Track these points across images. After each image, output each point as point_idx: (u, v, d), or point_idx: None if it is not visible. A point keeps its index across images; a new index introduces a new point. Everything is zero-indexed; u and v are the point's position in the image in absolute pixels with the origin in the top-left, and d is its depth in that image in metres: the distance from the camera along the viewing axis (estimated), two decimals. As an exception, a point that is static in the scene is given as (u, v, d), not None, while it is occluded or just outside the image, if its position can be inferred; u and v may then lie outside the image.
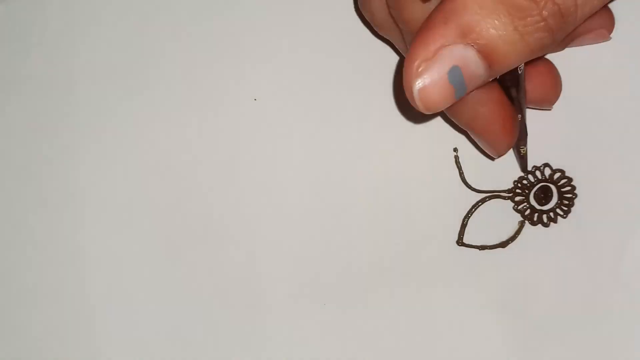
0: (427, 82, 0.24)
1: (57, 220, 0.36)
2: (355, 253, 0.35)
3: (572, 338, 0.34)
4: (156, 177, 0.36)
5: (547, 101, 0.33)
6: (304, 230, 0.35)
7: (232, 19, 0.36)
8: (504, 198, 0.35)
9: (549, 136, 0.35)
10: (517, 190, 0.35)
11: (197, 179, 0.35)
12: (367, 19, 0.32)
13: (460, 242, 0.35)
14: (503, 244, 0.35)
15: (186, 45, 0.36)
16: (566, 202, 0.35)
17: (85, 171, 0.36)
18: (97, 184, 0.36)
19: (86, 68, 0.36)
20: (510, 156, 0.35)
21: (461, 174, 0.35)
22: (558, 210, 0.35)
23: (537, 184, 0.35)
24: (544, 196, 0.35)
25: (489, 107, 0.30)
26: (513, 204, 0.35)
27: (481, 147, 0.33)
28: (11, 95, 0.36)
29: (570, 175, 0.35)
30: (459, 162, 0.35)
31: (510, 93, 0.31)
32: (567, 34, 0.25)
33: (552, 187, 0.35)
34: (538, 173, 0.35)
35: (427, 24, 0.24)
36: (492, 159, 0.34)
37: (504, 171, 0.35)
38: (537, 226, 0.35)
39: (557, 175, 0.35)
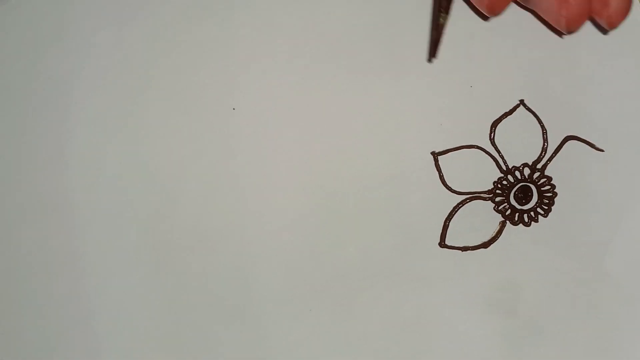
0: None
1: (46, 225, 0.36)
2: (339, 258, 0.35)
3: (558, 335, 0.35)
4: (141, 186, 0.36)
5: (559, 26, 0.32)
6: (288, 237, 0.35)
7: (211, 28, 0.36)
8: (485, 199, 0.35)
9: (526, 136, 0.35)
10: (497, 191, 0.35)
11: (181, 189, 0.35)
12: None
13: (442, 244, 0.35)
14: (485, 245, 0.35)
15: (166, 55, 0.36)
16: (546, 201, 0.35)
17: (70, 178, 0.36)
18: (79, 192, 0.36)
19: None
20: (486, 158, 0.35)
21: (441, 176, 0.35)
22: (538, 210, 0.35)
23: (516, 184, 0.35)
24: (523, 196, 0.35)
25: None
26: (493, 205, 0.35)
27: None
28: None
29: (549, 174, 0.35)
30: (438, 165, 0.35)
31: None
32: None
33: (532, 186, 0.35)
34: (517, 173, 0.35)
35: None
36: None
37: (484, 172, 0.35)
38: (518, 226, 0.35)
39: (536, 174, 0.35)
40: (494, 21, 0.35)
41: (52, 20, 0.35)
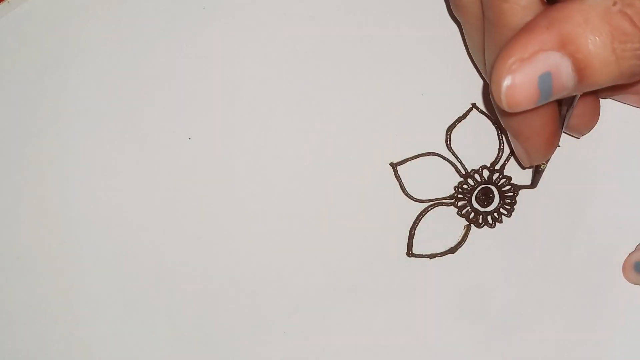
0: (517, 80, 0.24)
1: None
2: (308, 278, 0.35)
3: (530, 335, 0.35)
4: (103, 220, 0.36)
5: (580, 129, 0.34)
6: (254, 262, 0.35)
7: (166, 58, 0.36)
8: (447, 205, 0.35)
9: (482, 138, 0.35)
10: (459, 196, 0.35)
11: (142, 219, 0.35)
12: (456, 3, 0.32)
13: (409, 253, 0.35)
14: (452, 250, 0.35)
15: (122, 83, 0.36)
16: (508, 201, 0.35)
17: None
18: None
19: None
20: (445, 164, 0.35)
21: (402, 186, 0.35)
22: (502, 210, 0.35)
23: (477, 187, 0.35)
24: (485, 198, 0.35)
25: (542, 118, 0.30)
26: (456, 210, 0.35)
27: (515, 152, 0.33)
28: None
29: (508, 174, 0.35)
30: (398, 175, 0.35)
31: (561, 110, 0.31)
32: None
33: (493, 188, 0.35)
34: (477, 176, 0.35)
35: (528, 26, 0.25)
36: (522, 167, 0.35)
37: (443, 178, 0.35)
38: (483, 228, 0.35)
39: (495, 175, 0.35)
40: (441, 29, 0.35)
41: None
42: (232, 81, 0.35)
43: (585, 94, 0.31)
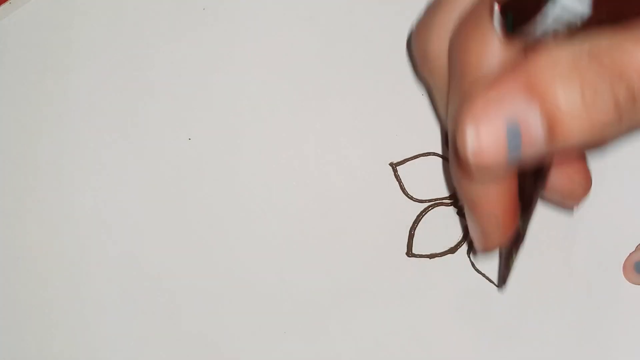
0: (483, 131, 0.22)
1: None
2: (309, 280, 0.35)
3: (530, 335, 0.35)
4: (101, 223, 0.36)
5: (571, 199, 0.31)
6: (256, 262, 0.35)
7: (167, 58, 0.36)
8: (447, 205, 0.35)
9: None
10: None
11: (142, 219, 0.36)
12: (417, 49, 0.30)
13: (409, 253, 0.35)
14: (452, 250, 0.35)
15: (123, 84, 0.36)
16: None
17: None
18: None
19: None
20: (445, 164, 0.35)
21: (401, 186, 0.35)
22: (501, 210, 0.35)
23: (477, 187, 0.35)
24: (485, 198, 0.35)
25: (500, 193, 0.27)
26: (456, 209, 0.35)
27: (471, 234, 0.30)
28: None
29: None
30: (397, 175, 0.35)
31: (524, 193, 0.28)
32: (636, 122, 0.23)
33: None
34: (477, 176, 0.35)
35: (495, 75, 0.23)
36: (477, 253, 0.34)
37: (443, 179, 0.35)
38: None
39: (495, 175, 0.35)
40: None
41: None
42: (232, 81, 0.36)
43: (573, 157, 0.30)
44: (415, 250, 0.35)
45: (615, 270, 0.35)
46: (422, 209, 0.35)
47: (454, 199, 0.35)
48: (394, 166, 0.35)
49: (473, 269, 0.35)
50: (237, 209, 0.35)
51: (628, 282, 0.35)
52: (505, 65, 0.23)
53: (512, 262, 0.32)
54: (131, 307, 0.35)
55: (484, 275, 0.35)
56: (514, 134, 0.22)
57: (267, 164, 0.35)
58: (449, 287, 0.35)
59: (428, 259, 0.35)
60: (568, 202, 0.32)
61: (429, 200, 0.35)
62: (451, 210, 0.35)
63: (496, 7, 0.22)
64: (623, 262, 0.35)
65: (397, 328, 0.35)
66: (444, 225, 0.35)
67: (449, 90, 0.29)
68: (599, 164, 0.35)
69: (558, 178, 0.30)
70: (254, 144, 0.35)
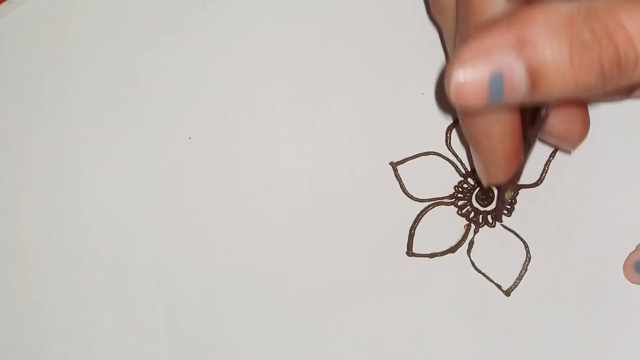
0: (467, 74, 0.23)
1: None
2: (308, 276, 0.35)
3: (530, 334, 0.35)
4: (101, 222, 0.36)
5: (568, 140, 0.32)
6: (255, 260, 0.35)
7: (165, 58, 0.36)
8: (447, 204, 0.35)
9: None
10: (459, 195, 0.35)
11: (142, 218, 0.36)
12: None
13: (410, 252, 0.35)
14: (452, 249, 0.35)
15: (123, 82, 0.36)
16: (508, 200, 0.35)
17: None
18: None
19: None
20: (445, 164, 0.35)
21: (402, 185, 0.35)
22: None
23: (477, 187, 0.35)
24: (485, 197, 0.35)
25: (502, 131, 0.29)
26: (456, 209, 0.35)
27: (476, 167, 0.32)
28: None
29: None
30: (398, 174, 0.35)
31: (526, 131, 0.30)
32: (619, 88, 0.24)
33: (493, 187, 0.35)
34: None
35: (491, 24, 0.23)
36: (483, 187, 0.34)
37: (443, 178, 0.35)
38: (483, 227, 0.35)
39: (495, 175, 0.35)
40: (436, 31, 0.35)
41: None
42: (232, 80, 0.36)
43: (573, 102, 0.30)
44: (415, 250, 0.35)
45: (615, 270, 0.35)
46: (422, 208, 0.35)
47: (455, 198, 0.35)
48: (394, 165, 0.35)
49: (473, 269, 0.35)
50: (237, 208, 0.35)
51: (628, 282, 0.35)
52: (503, 14, 0.24)
53: (509, 199, 0.33)
54: (130, 306, 0.35)
55: (484, 274, 0.35)
56: (497, 81, 0.23)
57: (267, 163, 0.35)
58: (449, 287, 0.35)
59: (428, 258, 0.35)
60: (565, 145, 0.33)
61: (429, 200, 0.35)
62: (452, 210, 0.35)
63: None
64: (623, 262, 0.35)
65: (397, 327, 0.35)
66: (444, 225, 0.35)
67: (455, 32, 0.30)
68: (599, 164, 0.35)
69: (557, 120, 0.31)
70: (254, 143, 0.35)
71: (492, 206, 0.35)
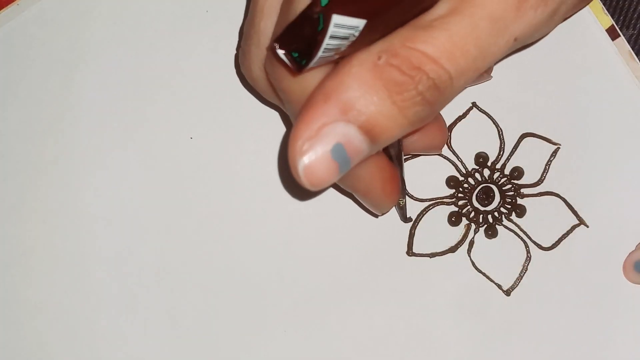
0: (311, 159, 0.23)
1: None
2: (309, 276, 0.35)
3: (530, 334, 0.35)
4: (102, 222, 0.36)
5: (433, 148, 0.33)
6: (255, 261, 0.35)
7: (165, 60, 0.36)
8: (447, 204, 0.35)
9: (482, 137, 0.35)
10: (459, 195, 0.35)
11: (140, 219, 0.36)
12: (245, 74, 0.31)
13: (410, 252, 0.35)
14: (452, 249, 0.35)
15: (127, 84, 0.36)
16: (509, 200, 0.35)
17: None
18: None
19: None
20: (445, 163, 0.35)
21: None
22: (502, 209, 0.35)
23: (477, 186, 0.35)
24: (486, 197, 0.35)
25: (369, 169, 0.29)
26: (457, 209, 0.35)
27: (366, 206, 0.33)
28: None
29: (509, 173, 0.35)
30: (398, 174, 0.35)
31: (388, 152, 0.31)
32: (447, 103, 0.25)
33: (493, 187, 0.35)
34: (477, 175, 0.35)
35: (308, 103, 0.24)
36: (376, 216, 0.35)
37: (444, 178, 0.35)
38: (484, 227, 0.35)
39: (496, 174, 0.35)
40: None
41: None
42: (233, 81, 0.36)
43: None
44: (415, 249, 0.35)
45: (615, 270, 0.35)
46: (422, 208, 0.35)
47: (455, 198, 0.35)
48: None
49: (473, 268, 0.35)
50: (239, 207, 0.35)
51: (628, 282, 0.35)
52: (316, 89, 0.24)
53: (404, 204, 0.34)
54: (132, 305, 0.35)
55: (484, 274, 0.35)
56: (340, 152, 0.24)
57: (267, 163, 0.36)
58: (449, 286, 0.35)
59: (428, 257, 0.35)
60: (432, 152, 0.34)
61: (430, 199, 0.35)
62: (452, 210, 0.35)
63: (278, 50, 0.22)
64: (623, 262, 0.35)
65: (398, 327, 0.35)
66: (445, 224, 0.35)
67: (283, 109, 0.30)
68: (599, 164, 0.35)
69: (413, 140, 0.32)
70: (255, 143, 0.36)
71: (493, 205, 0.35)
